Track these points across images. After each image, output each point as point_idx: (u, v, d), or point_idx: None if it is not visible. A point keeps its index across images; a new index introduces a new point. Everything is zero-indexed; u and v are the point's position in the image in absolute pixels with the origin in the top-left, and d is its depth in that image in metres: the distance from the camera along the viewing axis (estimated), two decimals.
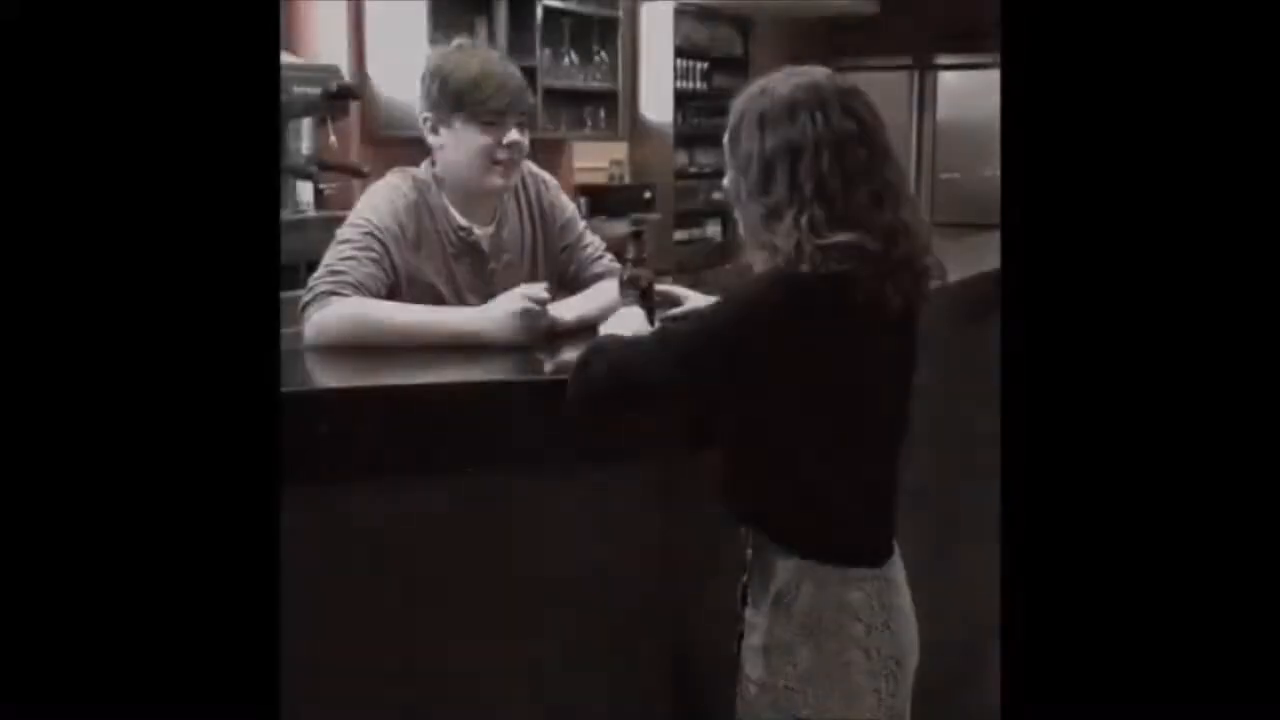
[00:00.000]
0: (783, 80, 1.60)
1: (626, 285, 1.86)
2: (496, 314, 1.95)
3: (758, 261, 1.61)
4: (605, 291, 2.17)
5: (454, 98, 2.10)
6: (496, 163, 2.13)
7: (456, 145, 2.13)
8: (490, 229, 2.22)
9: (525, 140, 2.16)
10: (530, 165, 2.30)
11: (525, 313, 1.93)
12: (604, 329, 1.73)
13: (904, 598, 1.68)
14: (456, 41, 2.23)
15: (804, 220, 1.52)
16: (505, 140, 2.12)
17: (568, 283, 2.31)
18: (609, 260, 2.32)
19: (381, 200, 2.11)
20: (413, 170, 2.19)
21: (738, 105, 1.64)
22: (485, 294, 2.13)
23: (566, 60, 5.71)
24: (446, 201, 2.17)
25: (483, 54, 2.18)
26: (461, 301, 2.14)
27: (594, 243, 2.36)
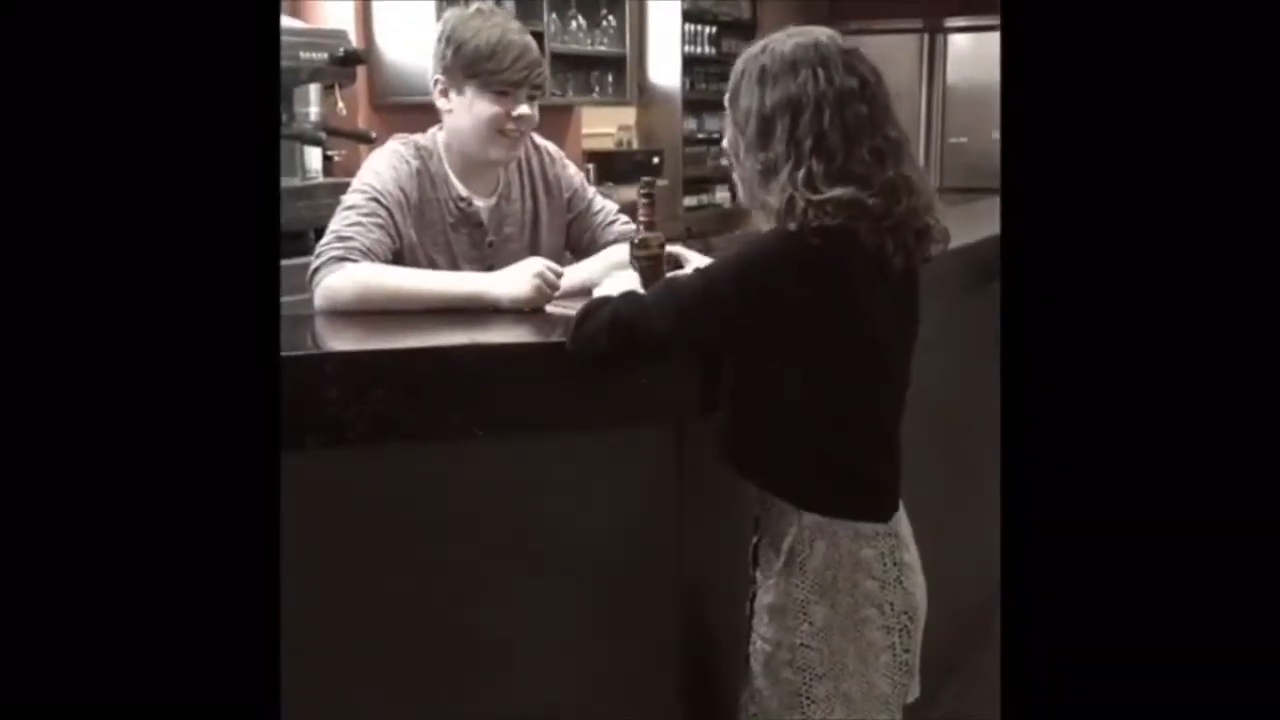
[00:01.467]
0: (784, 39, 1.61)
1: (638, 248, 1.86)
2: (511, 278, 1.94)
3: (762, 224, 1.62)
4: (613, 254, 2.17)
5: (469, 64, 2.08)
6: (503, 134, 2.12)
7: (466, 112, 2.11)
8: (491, 201, 2.21)
9: (535, 114, 2.15)
10: (535, 137, 2.29)
11: (541, 275, 1.93)
12: (597, 292, 1.74)
13: (912, 553, 1.69)
14: (474, 5, 2.21)
15: (800, 175, 1.53)
16: (515, 113, 2.11)
17: (583, 252, 2.30)
18: (623, 223, 2.31)
19: (385, 167, 2.10)
20: (415, 137, 2.18)
21: (739, 64, 1.65)
22: (482, 266, 2.13)
23: (574, 25, 5.68)
24: (449, 170, 2.17)
25: (502, 21, 2.15)
26: (458, 271, 2.14)
27: (606, 208, 2.35)
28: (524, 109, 2.12)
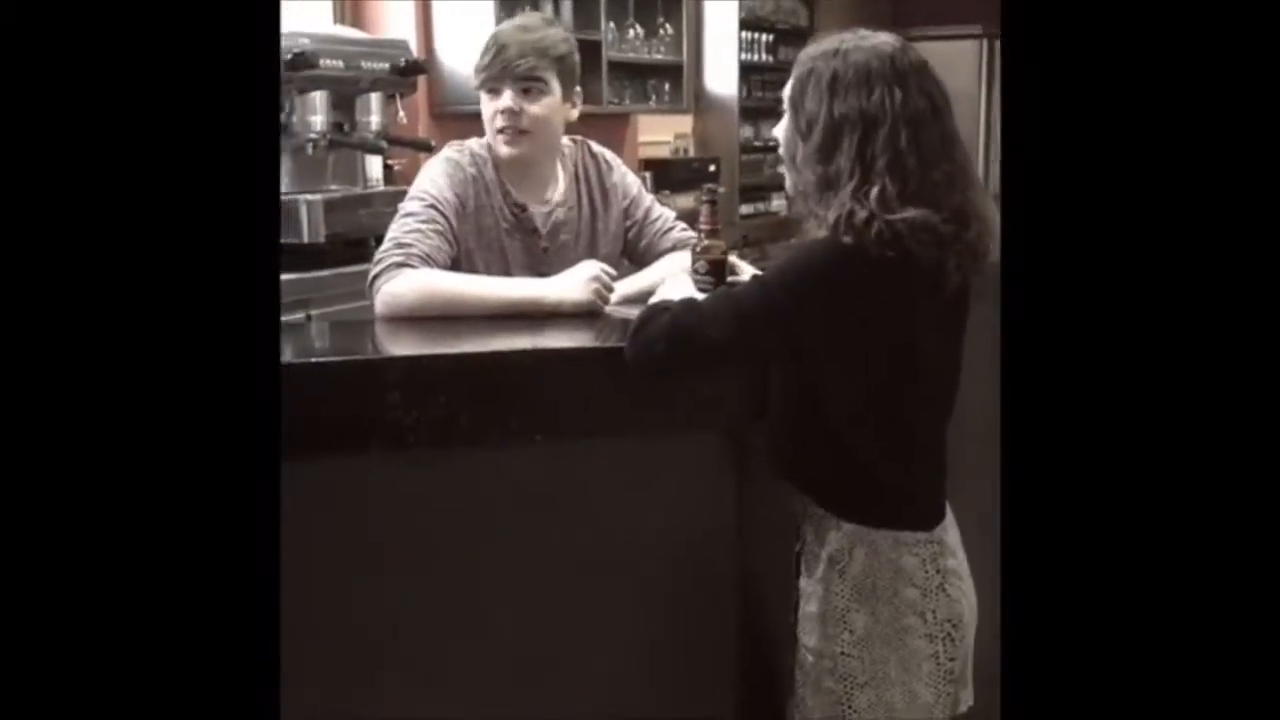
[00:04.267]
0: (856, 45, 1.58)
1: (700, 255, 1.86)
2: (568, 283, 1.96)
3: (815, 232, 1.60)
4: (671, 263, 2.18)
5: (474, 69, 2.13)
6: (500, 131, 2.13)
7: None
8: (546, 207, 2.22)
9: (528, 107, 2.11)
10: (592, 145, 2.31)
11: (598, 279, 1.94)
12: (654, 298, 1.74)
13: (959, 560, 1.69)
14: (519, 16, 2.24)
15: (871, 193, 1.51)
16: (499, 107, 2.12)
17: (639, 259, 2.31)
18: (680, 231, 2.31)
19: (440, 174, 2.13)
20: (470, 144, 2.20)
21: (805, 62, 1.61)
22: (536, 272, 2.14)
23: (631, 33, 5.70)
24: (502, 176, 2.19)
25: (520, 23, 2.17)
26: (511, 277, 2.15)
27: (663, 216, 2.34)
28: (505, 102, 2.11)
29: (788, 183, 1.68)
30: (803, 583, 1.71)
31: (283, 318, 3.04)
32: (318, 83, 3.46)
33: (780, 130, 1.67)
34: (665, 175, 5.92)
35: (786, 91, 1.64)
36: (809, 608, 1.68)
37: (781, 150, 1.67)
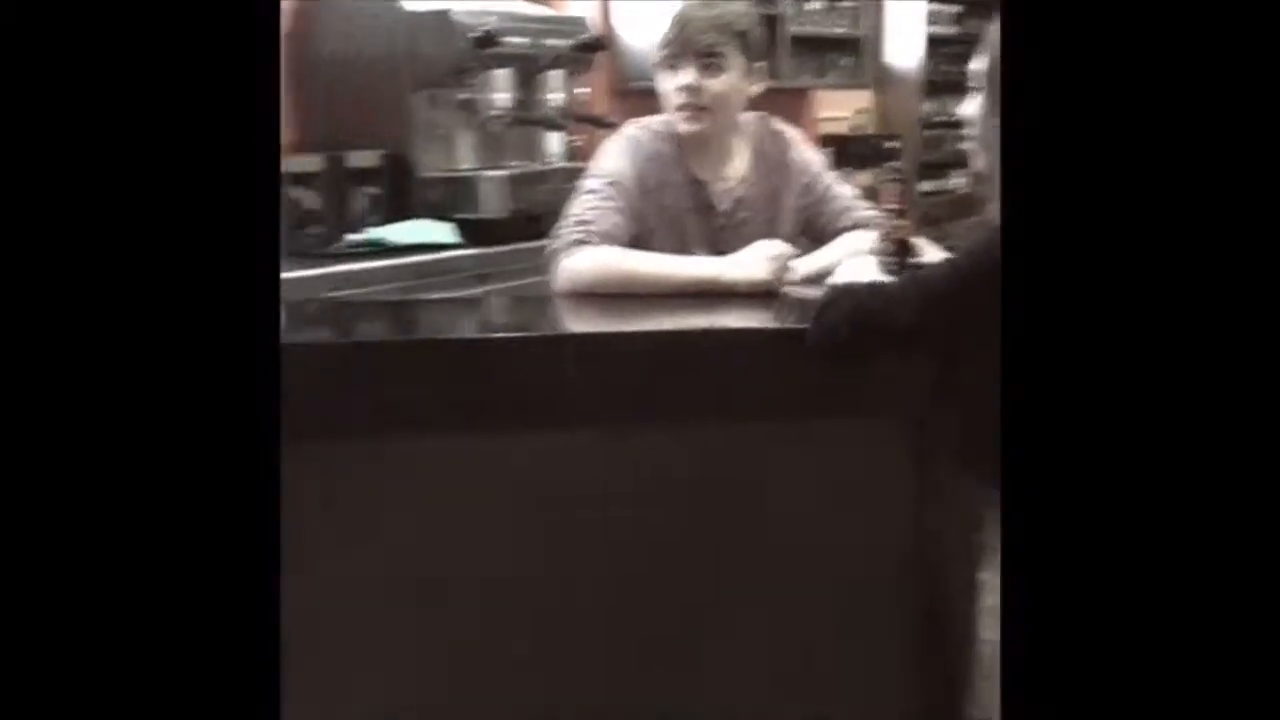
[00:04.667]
0: None
1: (885, 236, 1.83)
2: (747, 261, 1.94)
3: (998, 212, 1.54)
4: (851, 242, 2.13)
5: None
6: (680, 108, 2.11)
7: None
8: (726, 184, 2.20)
9: (708, 83, 2.09)
10: (773, 120, 2.28)
11: (777, 258, 1.92)
12: (835, 279, 1.70)
13: None
14: None
15: None
16: (678, 84, 2.10)
17: (818, 236, 2.26)
18: (863, 210, 2.25)
19: (621, 151, 2.14)
20: (650, 121, 2.20)
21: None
22: (714, 250, 2.12)
23: (812, 6, 5.62)
24: (682, 154, 2.17)
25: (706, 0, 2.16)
26: (689, 255, 2.14)
27: (844, 194, 2.28)
28: (686, 79, 2.09)
29: (978, 163, 1.62)
30: (983, 575, 1.66)
31: (462, 292, 3.14)
32: (501, 60, 3.52)
33: (971, 108, 1.61)
34: (844, 151, 5.82)
35: (981, 67, 1.57)
36: (988, 601, 1.63)
37: (972, 129, 1.61)
